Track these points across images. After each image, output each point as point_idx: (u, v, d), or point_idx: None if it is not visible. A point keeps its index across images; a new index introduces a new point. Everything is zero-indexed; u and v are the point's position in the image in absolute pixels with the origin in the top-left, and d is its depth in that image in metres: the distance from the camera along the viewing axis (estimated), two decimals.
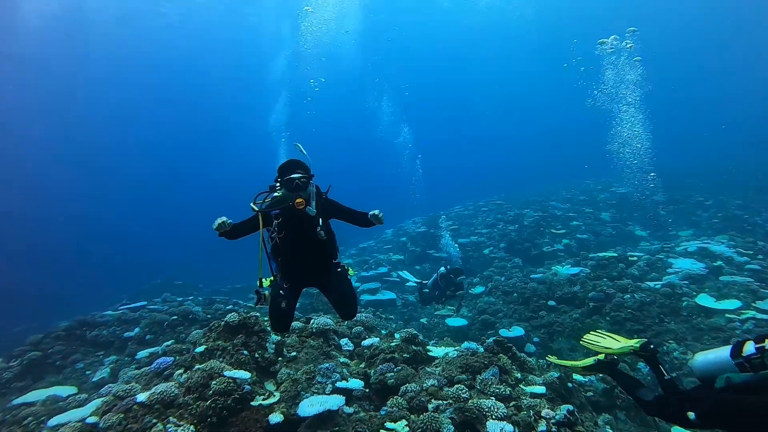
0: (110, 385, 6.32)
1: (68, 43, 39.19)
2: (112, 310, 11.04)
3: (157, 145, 58.06)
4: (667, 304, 9.31)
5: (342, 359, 6.04)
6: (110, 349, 9.29)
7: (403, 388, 5.03)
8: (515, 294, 11.44)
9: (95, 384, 7.79)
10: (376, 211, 3.83)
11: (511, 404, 4.74)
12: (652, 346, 3.15)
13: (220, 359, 5.37)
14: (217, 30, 43.77)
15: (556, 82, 44.96)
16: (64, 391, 7.14)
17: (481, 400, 4.64)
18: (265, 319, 6.32)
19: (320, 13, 21.51)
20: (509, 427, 4.24)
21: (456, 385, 5.00)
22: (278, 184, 3.77)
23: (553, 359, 4.25)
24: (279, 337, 6.12)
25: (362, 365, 5.95)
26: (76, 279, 28.43)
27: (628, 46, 15.01)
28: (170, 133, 56.38)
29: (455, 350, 6.18)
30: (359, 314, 7.25)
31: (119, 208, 53.80)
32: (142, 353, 8.35)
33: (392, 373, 5.30)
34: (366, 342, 6.49)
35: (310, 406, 4.58)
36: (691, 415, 2.55)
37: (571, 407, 4.78)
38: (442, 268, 10.49)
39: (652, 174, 13.96)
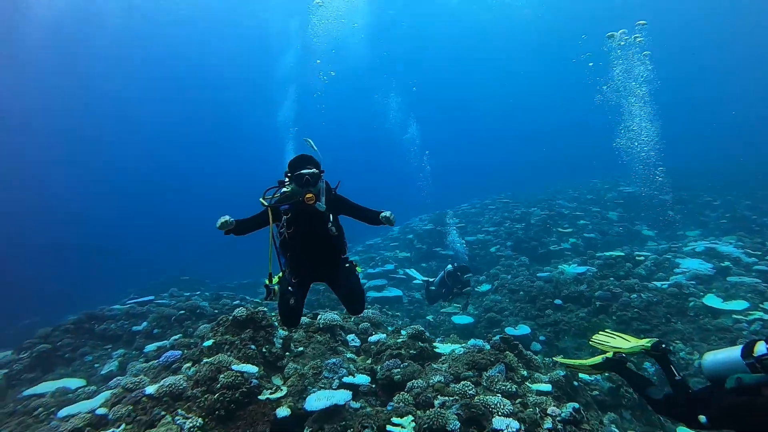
0: (119, 377, 6.41)
1: (75, 38, 39.49)
2: (120, 305, 11.14)
3: (164, 142, 58.47)
4: (674, 304, 9.28)
5: (349, 355, 6.06)
6: (118, 343, 9.38)
7: (409, 384, 5.05)
8: (522, 292, 11.42)
9: (104, 377, 7.88)
10: (388, 213, 3.80)
11: (517, 401, 4.75)
12: (663, 346, 3.14)
13: (228, 353, 5.41)
14: (224, 26, 43.97)
15: (565, 80, 44.75)
16: (73, 383, 7.23)
17: (488, 397, 4.65)
18: (273, 314, 6.38)
19: (330, 7, 21.58)
20: (515, 423, 4.24)
21: (462, 382, 5.01)
22: (288, 180, 3.78)
23: (560, 359, 4.24)
24: (286, 332, 6.15)
25: (369, 361, 5.97)
26: (84, 274, 28.68)
27: (638, 39, 14.87)
28: (178, 129, 56.71)
29: (462, 347, 6.19)
30: (366, 311, 7.29)
31: (126, 205, 54.18)
32: (150, 347, 8.42)
33: (399, 369, 5.32)
34: (373, 338, 6.51)
35: (317, 400, 4.60)
36: (703, 418, 2.53)
37: (577, 405, 4.78)
38: (449, 266, 10.50)
39: (661, 168, 13.86)
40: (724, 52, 45.44)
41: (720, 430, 2.54)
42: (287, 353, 5.82)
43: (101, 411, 4.79)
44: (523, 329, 9.65)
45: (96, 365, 8.51)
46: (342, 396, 4.68)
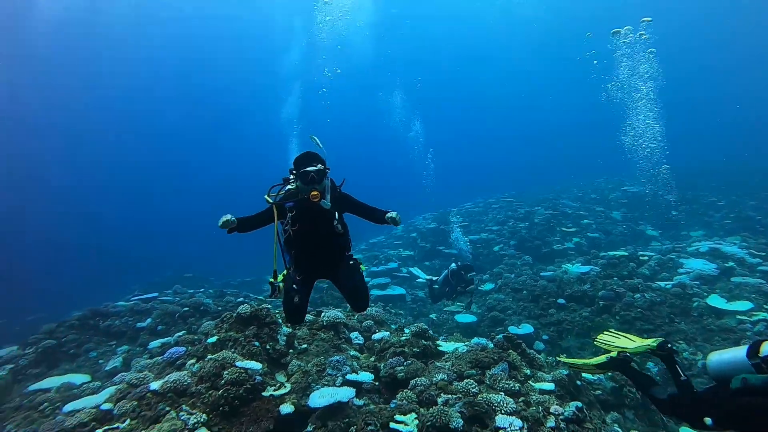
0: (123, 373, 6.44)
1: (80, 36, 39.61)
2: (125, 301, 11.18)
3: (168, 139, 58.61)
4: (677, 305, 9.27)
5: (352, 352, 6.08)
6: (122, 339, 9.41)
7: (412, 381, 5.06)
8: (525, 291, 11.41)
9: (108, 372, 7.91)
10: (394, 214, 3.79)
11: (520, 400, 4.76)
12: (669, 345, 3.13)
13: (232, 350, 5.44)
14: (228, 23, 44.05)
15: (569, 78, 44.65)
16: (78, 378, 7.26)
17: (491, 395, 4.67)
18: (276, 311, 6.40)
19: (335, 5, 21.62)
20: (518, 422, 4.26)
21: (465, 380, 5.02)
22: (293, 177, 3.79)
23: (563, 359, 4.24)
24: (290, 329, 6.18)
25: (372, 359, 5.99)
26: (88, 271, 28.80)
27: (643, 36, 14.80)
28: (181, 126, 56.85)
29: (465, 345, 6.20)
30: (369, 308, 7.30)
31: (130, 202, 54.36)
32: (154, 343, 8.45)
33: (402, 367, 5.34)
34: (376, 336, 6.53)
35: (321, 397, 4.62)
36: (708, 420, 2.52)
37: (580, 404, 4.78)
38: (453, 265, 10.50)
39: (665, 165, 13.81)
40: (727, 52, 45.27)
41: (724, 431, 2.53)
42: (291, 350, 5.85)
43: (106, 406, 4.83)
44: (526, 328, 9.64)
45: (100, 361, 8.55)
46: (345, 393, 4.69)
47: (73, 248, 36.11)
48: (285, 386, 5.08)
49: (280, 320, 6.17)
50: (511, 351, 5.69)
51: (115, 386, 5.46)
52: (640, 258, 11.80)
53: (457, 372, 5.29)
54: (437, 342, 6.42)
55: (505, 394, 4.75)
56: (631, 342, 3.47)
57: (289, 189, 3.81)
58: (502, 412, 4.44)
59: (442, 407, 4.45)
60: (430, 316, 11.83)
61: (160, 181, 58.60)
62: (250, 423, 4.43)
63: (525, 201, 20.62)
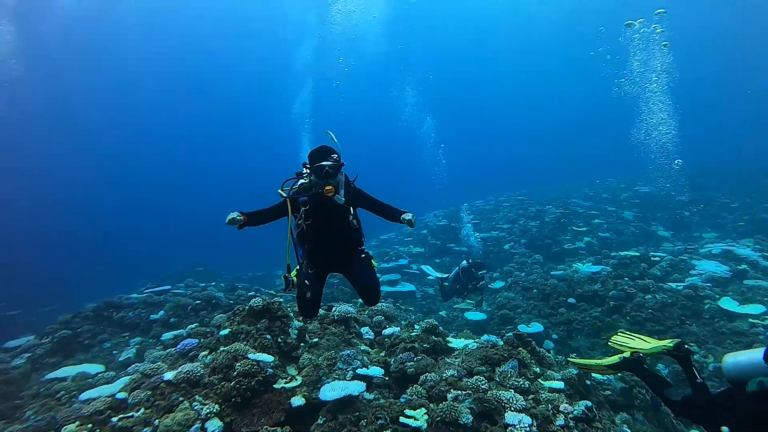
0: (137, 364, 6.56)
1: (91, 33, 39.98)
2: (138, 294, 11.34)
3: (179, 134, 59.06)
4: (688, 306, 9.20)
5: (363, 347, 6.12)
6: (136, 331, 9.55)
7: (422, 377, 5.09)
8: (535, 290, 11.40)
9: (121, 363, 8.04)
10: (410, 216, 3.77)
11: (529, 397, 4.77)
12: (686, 346, 3.07)
13: (244, 342, 5.50)
14: (240, 19, 44.22)
15: (581, 74, 44.23)
16: (93, 368, 7.40)
17: (500, 392, 4.68)
18: (288, 305, 6.46)
19: None
20: (527, 419, 4.26)
21: (475, 377, 5.04)
22: (307, 171, 3.80)
23: (574, 359, 4.22)
24: (301, 323, 6.24)
25: (382, 354, 6.03)
26: (102, 264, 29.23)
27: (657, 30, 14.57)
28: (193, 122, 57.26)
29: (475, 342, 6.22)
30: (380, 304, 7.35)
31: (143, 197, 54.91)
32: (167, 335, 8.59)
33: (412, 363, 5.37)
34: (387, 331, 6.57)
35: (332, 390, 4.66)
36: (726, 429, 2.48)
37: (589, 403, 4.79)
38: (464, 262, 10.50)
39: (678, 160, 13.64)
40: (743, 50, 44.40)
41: None
42: (302, 344, 5.91)
43: (121, 395, 4.93)
44: (536, 327, 9.63)
45: (114, 352, 8.69)
46: (356, 387, 4.74)
47: (87, 242, 36.62)
48: (296, 379, 5.14)
49: (291, 314, 6.23)
50: (521, 349, 5.70)
51: (130, 376, 5.57)
52: (652, 259, 11.71)
53: (467, 368, 5.31)
54: (447, 338, 6.45)
55: (515, 392, 4.75)
56: (645, 343, 3.41)
57: (302, 183, 3.81)
58: (512, 409, 4.45)
59: (451, 403, 4.47)
60: (440, 313, 11.86)
61: (170, 177, 59.10)
62: (261, 414, 4.49)
63: (536, 199, 20.55)
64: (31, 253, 31.17)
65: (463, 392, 4.74)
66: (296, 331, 6.01)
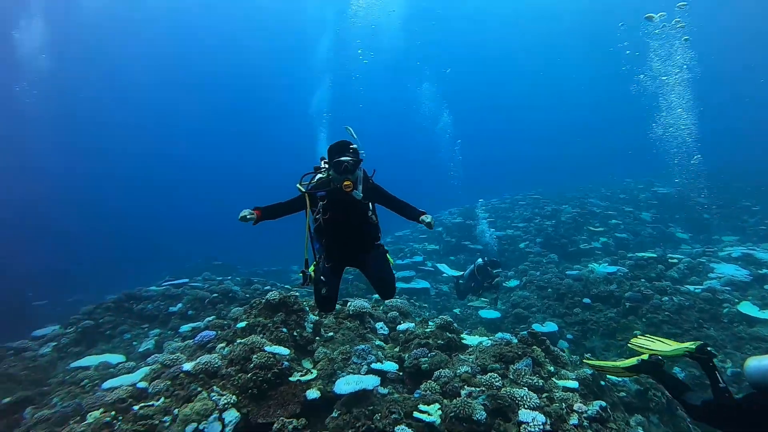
0: (156, 354, 6.71)
1: (116, 29, 40.63)
2: (156, 286, 11.56)
3: (198, 129, 59.73)
4: (707, 310, 9.04)
5: (377, 342, 6.18)
6: (155, 322, 9.75)
7: (436, 373, 5.14)
8: (550, 289, 11.33)
9: (141, 354, 8.23)
10: (429, 218, 3.77)
11: (543, 396, 4.77)
12: (709, 349, 2.98)
13: (261, 335, 5.59)
14: (259, 14, 44.53)
15: (599, 73, 43.59)
16: (114, 358, 7.61)
17: (514, 390, 4.69)
18: (304, 299, 6.56)
19: None
20: (541, 417, 4.27)
21: (489, 374, 5.07)
22: (325, 166, 3.84)
23: (590, 361, 4.20)
24: (317, 317, 6.32)
25: (397, 349, 6.08)
26: (123, 257, 29.84)
27: (678, 25, 14.27)
28: (214, 116, 57.86)
29: (489, 340, 6.23)
30: (394, 300, 7.40)
31: (164, 191, 55.76)
32: (185, 327, 8.77)
33: (426, 358, 5.42)
34: (401, 327, 6.61)
35: (347, 384, 4.72)
36: None
37: (604, 404, 4.77)
38: (480, 260, 10.45)
39: (698, 156, 13.39)
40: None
41: None
42: (317, 338, 5.99)
43: (142, 384, 5.07)
44: (551, 326, 9.58)
45: (134, 343, 8.90)
46: (371, 381, 4.79)
47: (110, 236, 37.32)
48: (311, 372, 5.22)
49: (307, 308, 6.31)
50: (535, 347, 5.70)
51: (150, 366, 5.70)
52: (670, 260, 11.55)
53: (480, 365, 5.33)
54: (461, 335, 6.47)
55: (529, 389, 4.77)
56: (666, 345, 3.35)
57: (320, 178, 3.84)
58: (526, 406, 4.46)
59: (465, 399, 4.51)
60: (454, 310, 11.86)
61: (188, 174, 59.82)
62: (277, 406, 4.57)
63: (552, 199, 20.37)
64: (58, 247, 31.97)
65: (477, 389, 4.77)
66: (312, 325, 6.10)
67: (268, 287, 11.94)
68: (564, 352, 6.41)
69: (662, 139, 13.87)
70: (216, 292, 10.58)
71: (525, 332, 6.07)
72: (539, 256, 14.21)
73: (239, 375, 4.82)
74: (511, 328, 9.99)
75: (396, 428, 4.19)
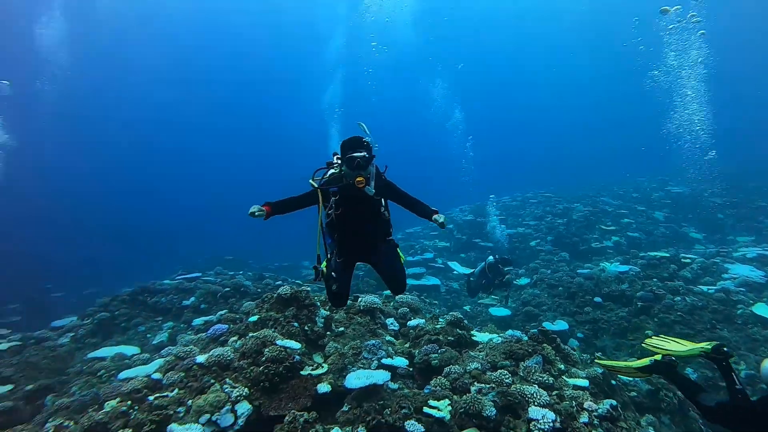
0: (170, 347, 6.82)
1: (132, 27, 41.05)
2: (170, 280, 11.72)
3: (209, 125, 60.14)
4: (720, 310, 8.94)
5: (387, 338, 6.22)
6: (168, 316, 9.90)
7: (446, 369, 5.16)
8: (561, 288, 11.29)
9: (155, 346, 8.37)
10: (442, 218, 3.73)
11: (553, 393, 4.78)
12: (726, 349, 2.90)
13: (272, 329, 5.65)
14: (272, 11, 44.70)
15: (612, 70, 43.08)
16: (129, 350, 7.76)
17: (524, 387, 4.70)
18: (315, 294, 6.62)
19: None
20: (551, 414, 4.28)
21: (499, 370, 5.08)
22: (338, 161, 3.85)
23: (602, 361, 4.17)
24: (328, 312, 6.38)
25: (407, 345, 6.11)
26: (138, 251, 30.29)
27: (694, 20, 14.00)
28: (225, 113, 58.21)
29: (499, 337, 6.24)
30: (405, 296, 7.44)
31: (179, 184, 56.28)
32: (198, 321, 8.88)
33: (436, 354, 5.44)
34: (411, 323, 6.64)
35: (357, 379, 4.76)
36: None
37: (614, 402, 4.76)
38: (491, 258, 10.43)
39: (713, 151, 13.20)
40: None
41: None
42: (328, 332, 6.05)
43: (156, 376, 5.18)
44: (561, 325, 9.55)
45: (148, 335, 9.05)
46: (381, 376, 4.83)
47: (125, 230, 37.82)
48: (322, 366, 5.27)
49: (318, 303, 6.37)
50: (545, 345, 5.70)
51: (164, 358, 5.80)
52: (683, 260, 11.42)
53: (491, 362, 5.35)
54: (471, 332, 6.49)
55: (539, 387, 4.77)
56: (681, 346, 3.29)
57: (333, 173, 3.83)
58: (536, 403, 4.47)
59: (475, 395, 4.53)
60: (464, 307, 11.86)
61: (200, 169, 60.32)
62: (289, 399, 4.63)
63: (563, 197, 20.21)
64: (76, 241, 32.53)
65: (487, 385, 4.79)
66: (323, 320, 6.16)
67: (279, 282, 12.04)
68: (574, 350, 6.40)
69: (676, 137, 13.68)
70: (228, 286, 10.71)
71: (535, 330, 6.07)
72: (550, 255, 14.16)
73: (251, 368, 4.89)
74: (522, 326, 9.96)
75: (406, 423, 4.22)
